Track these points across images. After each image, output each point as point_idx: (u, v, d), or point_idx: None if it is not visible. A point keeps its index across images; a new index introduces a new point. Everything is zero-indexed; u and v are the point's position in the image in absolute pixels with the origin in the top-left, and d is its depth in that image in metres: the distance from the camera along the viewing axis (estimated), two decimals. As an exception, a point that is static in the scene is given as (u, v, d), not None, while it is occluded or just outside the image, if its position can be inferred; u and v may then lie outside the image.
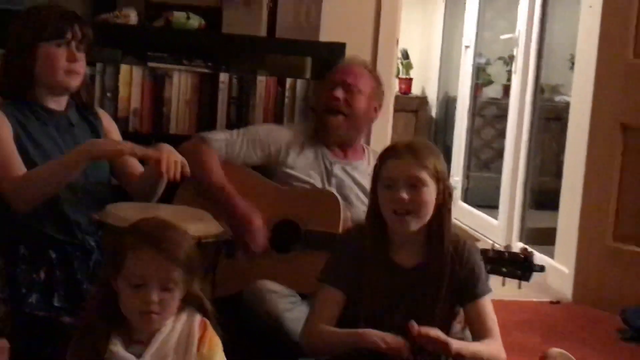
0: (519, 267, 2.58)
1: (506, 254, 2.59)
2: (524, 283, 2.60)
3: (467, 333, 2.26)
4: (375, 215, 2.21)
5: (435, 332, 2.04)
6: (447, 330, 2.19)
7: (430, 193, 2.15)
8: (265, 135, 2.97)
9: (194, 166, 2.67)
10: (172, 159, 2.41)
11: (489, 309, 2.20)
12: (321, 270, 2.27)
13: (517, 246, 4.71)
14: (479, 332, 2.19)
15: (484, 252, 2.52)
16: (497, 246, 2.63)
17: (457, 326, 2.27)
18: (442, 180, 2.17)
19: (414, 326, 2.02)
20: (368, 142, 3.28)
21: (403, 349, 2.04)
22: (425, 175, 2.15)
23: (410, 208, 2.15)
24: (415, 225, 2.16)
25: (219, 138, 2.93)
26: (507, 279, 2.58)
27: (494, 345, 2.16)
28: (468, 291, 2.20)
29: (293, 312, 2.55)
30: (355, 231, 2.30)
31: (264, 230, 2.76)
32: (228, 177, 2.85)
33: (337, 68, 3.05)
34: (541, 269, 2.60)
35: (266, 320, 2.53)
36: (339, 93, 2.95)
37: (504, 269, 2.58)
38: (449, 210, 2.20)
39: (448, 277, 2.18)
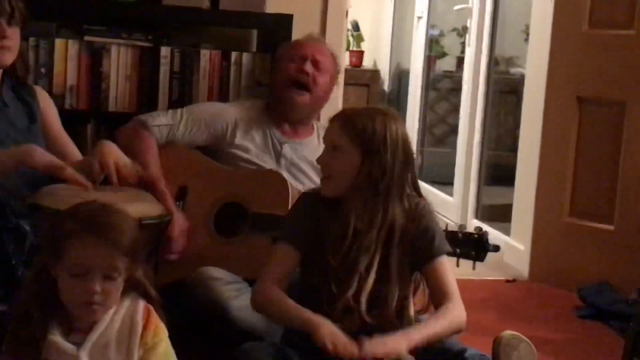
0: (473, 247, 2.60)
1: (460, 234, 2.61)
2: (478, 263, 2.63)
3: (423, 318, 2.27)
4: None
5: (383, 349, 2.03)
6: (404, 295, 2.20)
7: (346, 160, 2.17)
8: (210, 115, 2.95)
9: (131, 154, 2.64)
10: (122, 171, 2.39)
11: (446, 270, 2.22)
12: (279, 228, 2.28)
13: (473, 224, 4.79)
14: (437, 296, 2.19)
15: None
16: (451, 226, 2.66)
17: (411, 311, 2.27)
18: (375, 150, 2.16)
19: (363, 351, 2.01)
20: (318, 117, 3.28)
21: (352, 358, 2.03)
22: (342, 142, 2.17)
23: (325, 172, 2.21)
24: (329, 189, 2.21)
25: (160, 123, 2.90)
26: (462, 259, 2.60)
27: (452, 311, 2.17)
28: (423, 251, 2.21)
29: (239, 299, 2.53)
30: (312, 194, 2.31)
31: (186, 231, 2.74)
32: (171, 160, 2.82)
33: (300, 43, 3.02)
34: (495, 248, 2.63)
35: (211, 310, 2.51)
36: (309, 68, 2.94)
37: (457, 250, 2.60)
38: (393, 184, 2.18)
39: (400, 236, 2.19)
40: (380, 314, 2.17)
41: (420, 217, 2.23)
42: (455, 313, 2.18)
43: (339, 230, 2.19)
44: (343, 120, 2.21)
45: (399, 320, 2.19)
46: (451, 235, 2.58)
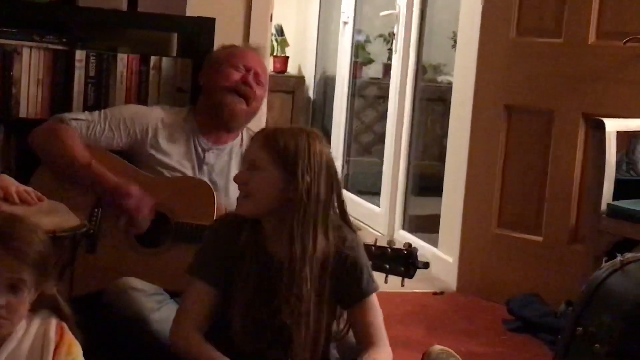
0: (402, 263, 2.63)
1: (389, 250, 2.64)
2: (407, 280, 2.66)
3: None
4: None
5: None
6: (328, 330, 2.22)
7: (265, 179, 2.14)
8: (130, 117, 2.93)
9: (54, 147, 2.62)
10: (22, 195, 2.37)
11: (374, 310, 2.22)
12: (190, 263, 2.25)
13: (400, 235, 4.83)
14: (362, 338, 2.21)
15: (366, 247, 2.55)
16: (380, 242, 2.68)
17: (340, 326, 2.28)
18: (296, 171, 2.12)
19: None
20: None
21: None
22: (262, 160, 2.14)
23: (243, 190, 2.19)
24: (246, 209, 2.18)
25: (79, 118, 2.89)
26: (390, 276, 2.63)
27: (379, 354, 2.18)
28: (351, 290, 2.21)
29: (161, 312, 2.52)
30: (226, 221, 2.28)
31: (146, 196, 2.73)
32: None
33: (244, 52, 3.02)
34: (425, 265, 2.67)
35: (131, 322, 2.49)
36: (252, 80, 2.95)
37: (387, 266, 2.63)
38: (318, 209, 2.15)
39: (328, 275, 2.18)
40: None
41: (348, 252, 2.20)
42: (385, 357, 2.20)
43: (258, 263, 2.17)
44: (265, 138, 2.17)
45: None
46: (380, 251, 2.61)
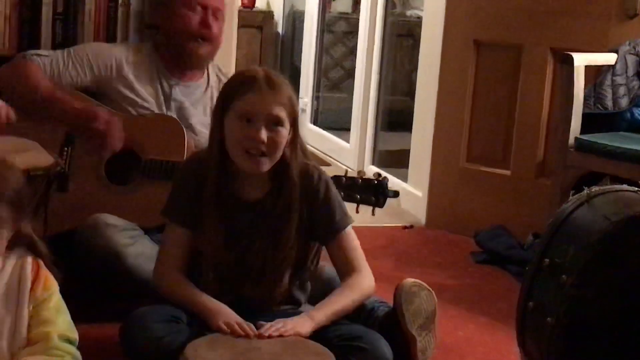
0: (372, 193, 2.67)
1: (359, 180, 2.67)
2: (377, 209, 2.69)
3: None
4: (219, 145, 2.19)
5: (284, 329, 2.06)
6: (301, 266, 2.26)
7: (286, 133, 2.17)
8: (93, 54, 2.90)
9: (17, 84, 2.60)
10: None
11: (351, 242, 2.26)
12: (164, 205, 2.29)
13: (370, 170, 4.86)
14: (343, 269, 2.26)
15: (337, 179, 2.59)
16: (350, 172, 2.71)
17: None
18: (295, 116, 2.19)
19: (262, 331, 2.05)
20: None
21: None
22: (284, 114, 2.16)
23: (265, 150, 2.15)
24: (268, 166, 2.18)
25: (42, 54, 2.87)
26: (361, 205, 2.67)
27: (360, 284, 2.23)
28: (326, 227, 2.25)
29: (135, 247, 2.54)
30: (195, 161, 2.30)
31: (114, 117, 2.73)
32: None
33: None
34: (395, 194, 2.71)
35: (105, 257, 2.52)
36: (212, 19, 2.89)
37: (357, 196, 2.66)
38: (296, 144, 2.21)
39: (298, 213, 2.21)
40: (273, 283, 2.21)
41: (318, 188, 2.24)
42: (365, 284, 2.24)
43: (225, 206, 2.20)
44: (279, 92, 2.16)
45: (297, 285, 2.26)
46: (351, 182, 2.64)
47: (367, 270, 2.27)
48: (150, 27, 3.15)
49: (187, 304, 2.16)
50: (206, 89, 2.99)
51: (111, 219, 2.59)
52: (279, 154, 2.17)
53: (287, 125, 2.17)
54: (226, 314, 2.10)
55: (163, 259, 2.25)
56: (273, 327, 2.06)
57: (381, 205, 2.68)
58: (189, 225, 2.23)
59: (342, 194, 2.55)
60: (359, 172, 2.72)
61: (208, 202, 2.20)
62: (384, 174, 2.81)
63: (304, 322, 2.11)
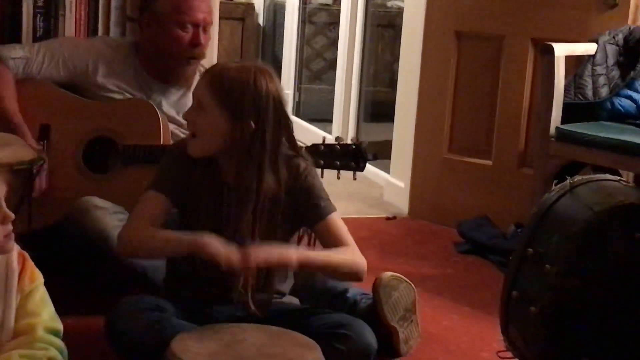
0: (352, 158, 2.64)
1: (338, 146, 2.63)
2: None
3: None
4: None
5: (270, 258, 2.06)
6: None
7: (210, 122, 2.15)
8: (70, 51, 2.88)
9: None
10: None
11: (338, 226, 2.25)
12: (150, 181, 2.26)
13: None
14: (332, 247, 2.24)
15: (315, 147, 2.57)
16: (328, 139, 2.69)
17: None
18: (242, 115, 2.13)
19: (250, 260, 2.04)
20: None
21: (245, 274, 2.07)
22: (208, 101, 2.14)
23: (190, 129, 2.20)
24: (194, 149, 2.18)
25: (17, 56, 2.83)
26: (342, 172, 2.65)
27: (352, 253, 2.22)
28: (310, 216, 2.25)
29: None
30: (184, 145, 2.28)
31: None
32: (30, 97, 2.78)
33: (189, 5, 2.82)
34: (374, 157, 2.68)
35: (94, 239, 2.51)
36: (202, 37, 2.83)
37: (337, 162, 2.63)
38: (265, 151, 2.17)
39: (281, 207, 2.21)
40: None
41: (301, 181, 2.24)
42: (356, 254, 2.23)
43: (214, 190, 2.19)
44: (211, 78, 2.16)
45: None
46: (329, 149, 2.61)
47: (357, 250, 2.25)
48: (132, 20, 3.13)
49: (168, 247, 2.14)
50: (186, 92, 2.93)
51: (100, 201, 2.60)
52: (206, 139, 2.16)
53: (216, 113, 2.14)
54: (216, 242, 2.05)
55: (133, 219, 2.20)
56: (259, 251, 2.05)
57: (362, 169, 2.64)
58: (172, 195, 2.20)
59: (321, 162, 2.53)
60: (336, 138, 2.69)
61: (197, 184, 2.19)
62: (366, 170, 2.77)
63: (290, 251, 2.11)
